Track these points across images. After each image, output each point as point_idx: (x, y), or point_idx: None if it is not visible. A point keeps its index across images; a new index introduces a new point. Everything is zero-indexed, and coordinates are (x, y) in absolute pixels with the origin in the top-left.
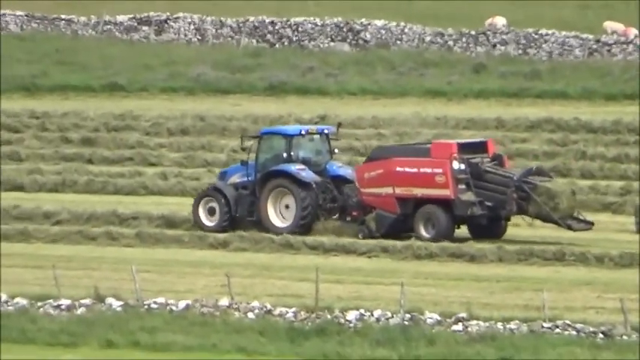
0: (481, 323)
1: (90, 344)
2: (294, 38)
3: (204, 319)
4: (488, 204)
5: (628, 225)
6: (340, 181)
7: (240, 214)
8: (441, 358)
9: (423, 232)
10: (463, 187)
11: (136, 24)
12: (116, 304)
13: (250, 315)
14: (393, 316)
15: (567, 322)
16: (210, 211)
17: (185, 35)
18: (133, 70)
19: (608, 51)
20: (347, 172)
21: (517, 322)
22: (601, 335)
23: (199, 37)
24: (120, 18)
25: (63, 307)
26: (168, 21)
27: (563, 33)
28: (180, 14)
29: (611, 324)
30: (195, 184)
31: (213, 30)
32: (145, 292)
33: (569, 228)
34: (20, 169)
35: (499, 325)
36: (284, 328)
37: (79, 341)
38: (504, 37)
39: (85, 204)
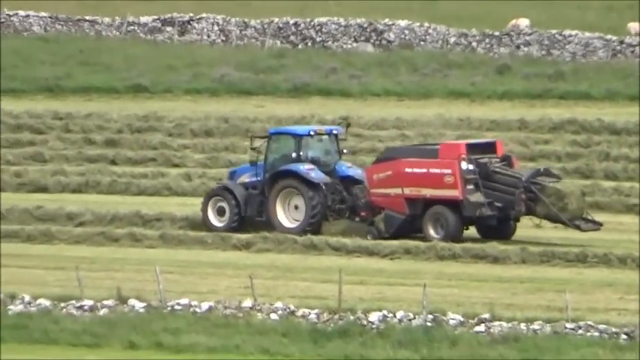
0: (504, 324)
1: (112, 345)
2: (318, 39)
3: (227, 320)
4: (497, 205)
5: None
6: (349, 181)
7: (250, 214)
8: (463, 359)
9: (432, 233)
10: (472, 187)
11: (159, 25)
12: (139, 306)
13: (273, 316)
14: (415, 318)
15: (590, 323)
16: (220, 211)
17: (209, 36)
18: (157, 71)
19: (632, 52)
20: (356, 172)
21: (540, 323)
22: (624, 336)
23: (223, 38)
24: (143, 19)
25: (86, 308)
26: (191, 22)
27: (587, 34)
28: (204, 15)
29: (634, 325)
30: None
31: (237, 31)
32: (168, 293)
33: (578, 228)
34: (44, 170)
35: (522, 326)
36: (307, 330)
37: (102, 342)
38: (528, 38)
39: (109, 205)
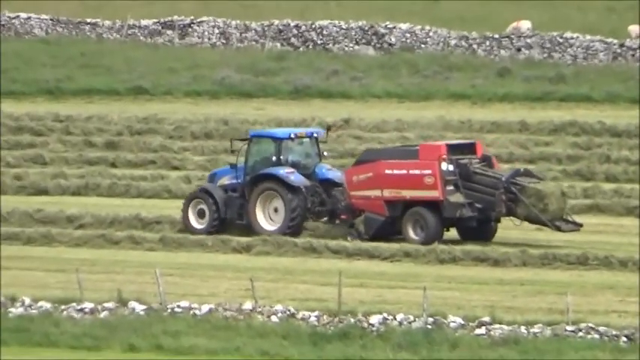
0: (504, 327)
1: (113, 348)
2: (319, 41)
3: (227, 322)
4: (478, 206)
5: None
6: (329, 184)
7: (229, 217)
8: None
9: (412, 235)
10: (452, 188)
11: (160, 28)
12: (139, 308)
13: (273, 319)
14: (415, 320)
15: (590, 325)
16: (200, 214)
17: (209, 39)
18: (157, 73)
19: (633, 55)
20: (336, 175)
21: (540, 325)
22: (624, 339)
23: (224, 41)
24: (144, 22)
25: (86, 310)
26: (192, 25)
27: (588, 37)
28: (205, 18)
29: (634, 328)
30: None
31: (238, 34)
32: (168, 295)
33: (558, 229)
34: (44, 173)
35: (522, 328)
36: (307, 332)
37: (102, 345)
38: (529, 40)
39: (109, 208)
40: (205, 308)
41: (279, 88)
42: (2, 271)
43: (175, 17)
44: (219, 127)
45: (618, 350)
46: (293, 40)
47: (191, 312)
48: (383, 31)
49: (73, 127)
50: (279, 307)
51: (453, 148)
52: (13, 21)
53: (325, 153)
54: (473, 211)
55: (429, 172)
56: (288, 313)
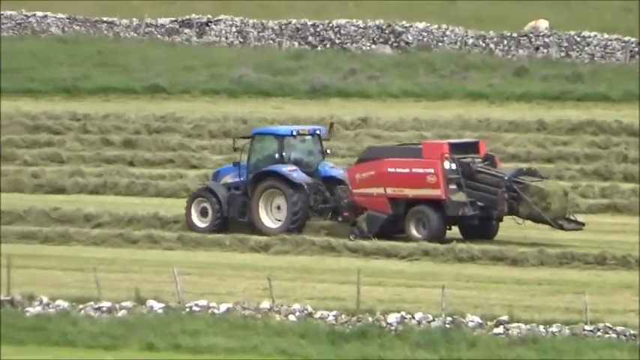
0: (522, 326)
1: (131, 347)
2: (336, 41)
3: (245, 321)
4: (480, 204)
5: None
6: (332, 181)
7: (232, 215)
8: None
9: (414, 233)
10: (454, 187)
11: (177, 26)
12: (157, 307)
13: (291, 318)
14: (434, 319)
15: (608, 325)
16: (203, 212)
17: (227, 37)
18: (175, 72)
19: None
20: (339, 172)
21: (558, 325)
22: None
23: (241, 40)
24: (161, 20)
25: (104, 309)
26: (209, 23)
27: (605, 36)
28: (222, 17)
29: None
30: None
31: (255, 32)
32: (186, 294)
33: (561, 228)
34: (61, 171)
35: (540, 328)
36: (325, 331)
37: (120, 344)
38: (546, 39)
39: (127, 206)
40: (223, 307)
41: (297, 87)
42: (19, 270)
43: (193, 15)
44: (238, 126)
45: (636, 350)
46: (310, 39)
47: (209, 311)
48: (400, 30)
49: (90, 125)
50: (296, 306)
51: (455, 147)
52: (30, 19)
53: (328, 151)
54: (475, 210)
55: (431, 170)
56: (306, 312)
